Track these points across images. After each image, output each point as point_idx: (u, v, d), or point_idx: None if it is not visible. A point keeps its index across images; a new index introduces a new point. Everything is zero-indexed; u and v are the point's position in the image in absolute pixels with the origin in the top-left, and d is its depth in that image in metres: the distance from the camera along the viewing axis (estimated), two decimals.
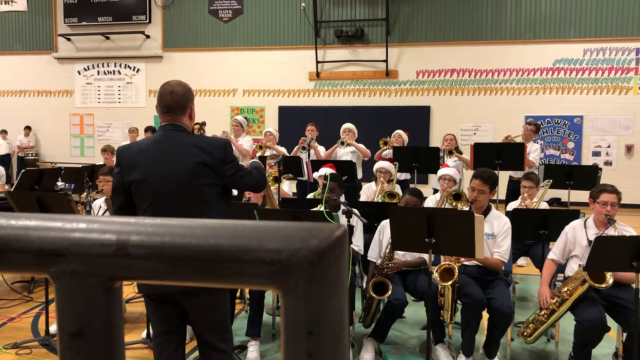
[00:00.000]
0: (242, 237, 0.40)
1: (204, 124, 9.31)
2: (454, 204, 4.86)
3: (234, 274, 0.40)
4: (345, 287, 0.41)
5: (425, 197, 6.04)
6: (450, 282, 3.69)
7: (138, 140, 2.81)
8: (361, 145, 7.34)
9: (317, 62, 12.65)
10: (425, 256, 4.19)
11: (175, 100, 2.66)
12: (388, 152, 7.33)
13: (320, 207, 4.01)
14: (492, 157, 6.22)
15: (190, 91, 2.75)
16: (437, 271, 3.76)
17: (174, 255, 0.40)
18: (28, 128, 14.26)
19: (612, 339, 4.09)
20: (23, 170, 6.26)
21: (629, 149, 11.53)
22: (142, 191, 2.60)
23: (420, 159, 6.53)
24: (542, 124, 11.72)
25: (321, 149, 7.59)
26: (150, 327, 4.23)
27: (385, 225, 4.32)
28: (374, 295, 3.94)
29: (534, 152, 7.25)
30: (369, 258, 4.37)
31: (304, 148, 7.13)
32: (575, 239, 3.88)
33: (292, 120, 12.28)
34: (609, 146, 11.63)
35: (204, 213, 2.59)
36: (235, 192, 4.64)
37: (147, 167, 2.59)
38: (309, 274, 0.39)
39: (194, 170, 2.57)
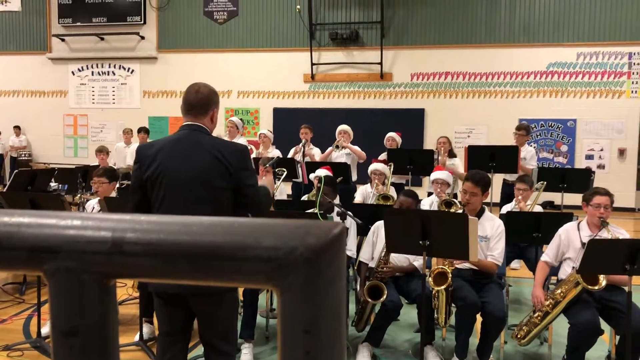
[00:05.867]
0: (238, 234, 0.39)
1: None
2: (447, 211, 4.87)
3: (231, 272, 0.39)
4: (343, 285, 0.41)
5: (421, 200, 6.05)
6: (443, 287, 3.69)
7: (159, 139, 2.84)
8: (356, 148, 7.33)
9: (312, 64, 12.65)
10: (417, 263, 4.20)
11: (198, 99, 2.69)
12: (383, 155, 7.33)
13: (315, 210, 4.00)
14: (486, 160, 6.24)
15: (215, 94, 2.78)
16: (430, 275, 3.76)
17: (169, 252, 0.40)
18: (17, 128, 14.15)
19: (605, 342, 4.11)
20: (16, 171, 6.22)
21: (622, 152, 11.59)
22: (157, 188, 2.63)
23: (415, 161, 6.54)
24: (534, 127, 11.77)
25: (316, 151, 7.57)
26: (143, 329, 4.22)
27: (379, 227, 4.31)
28: (369, 299, 3.92)
29: (530, 159, 7.21)
30: (360, 259, 4.35)
31: (302, 156, 7.12)
32: (569, 241, 3.89)
33: (287, 122, 12.27)
34: (602, 150, 11.68)
35: (216, 214, 2.57)
36: None
37: (163, 164, 2.61)
38: (306, 272, 0.38)
39: (210, 171, 2.59)
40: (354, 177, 7.13)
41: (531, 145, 8.17)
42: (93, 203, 4.93)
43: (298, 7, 12.54)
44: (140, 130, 9.86)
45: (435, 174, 5.58)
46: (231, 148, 2.67)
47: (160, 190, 2.62)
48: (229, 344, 2.74)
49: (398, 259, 4.22)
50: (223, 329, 2.71)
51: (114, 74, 14.07)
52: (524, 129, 7.43)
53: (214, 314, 2.67)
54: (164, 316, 2.76)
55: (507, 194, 6.93)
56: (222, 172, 2.59)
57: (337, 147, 7.26)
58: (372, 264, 4.23)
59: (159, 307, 2.77)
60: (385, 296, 3.85)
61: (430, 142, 11.56)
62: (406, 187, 6.16)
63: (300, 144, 7.38)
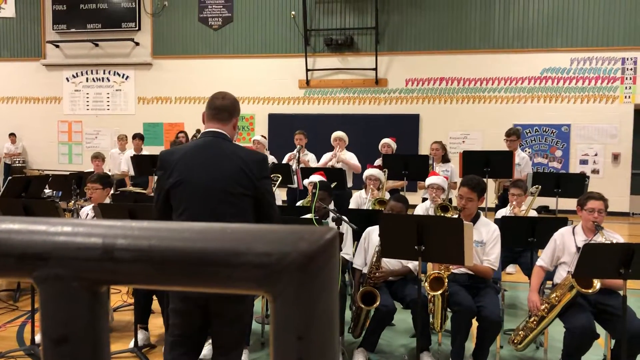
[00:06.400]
0: (230, 240, 0.39)
1: (198, 131, 9.27)
2: (442, 215, 4.87)
3: (222, 278, 0.39)
4: (335, 290, 0.40)
5: (415, 205, 6.06)
6: (439, 292, 3.69)
7: (181, 145, 2.87)
8: (351, 160, 7.27)
9: (307, 70, 12.67)
10: (411, 265, 4.19)
11: (225, 104, 2.74)
12: (378, 160, 7.33)
13: (310, 215, 3.99)
14: (481, 165, 6.26)
15: (238, 103, 2.85)
16: (426, 280, 3.76)
17: (161, 258, 0.40)
18: (13, 135, 14.10)
19: (601, 346, 4.11)
20: (10, 178, 6.19)
21: (616, 157, 11.64)
22: (179, 195, 2.64)
23: (410, 167, 6.55)
24: (529, 132, 11.83)
25: (311, 157, 7.56)
26: (138, 336, 4.19)
27: (369, 232, 4.31)
28: (362, 306, 3.91)
29: (525, 166, 7.20)
30: (354, 266, 4.34)
31: (297, 162, 7.12)
32: (564, 245, 3.90)
33: (282, 128, 12.27)
34: (596, 154, 11.74)
35: (239, 221, 2.58)
36: None
37: (185, 171, 2.64)
38: (299, 278, 0.38)
39: (234, 178, 2.62)
40: (349, 184, 7.13)
41: (525, 151, 8.17)
42: (87, 209, 4.91)
43: (293, 13, 12.57)
44: (135, 136, 9.83)
45: (431, 179, 5.59)
46: (253, 157, 2.72)
47: (182, 198, 2.64)
48: (237, 351, 2.74)
49: (390, 263, 4.22)
50: (239, 334, 2.72)
51: (109, 80, 14.05)
52: (514, 134, 7.36)
53: (231, 312, 2.66)
54: (179, 317, 2.71)
55: (502, 199, 6.95)
56: (245, 179, 2.63)
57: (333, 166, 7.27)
58: (365, 270, 4.22)
59: (173, 310, 2.72)
60: (378, 302, 3.84)
61: (425, 148, 11.58)
62: (401, 193, 6.18)
63: (295, 150, 7.38)
